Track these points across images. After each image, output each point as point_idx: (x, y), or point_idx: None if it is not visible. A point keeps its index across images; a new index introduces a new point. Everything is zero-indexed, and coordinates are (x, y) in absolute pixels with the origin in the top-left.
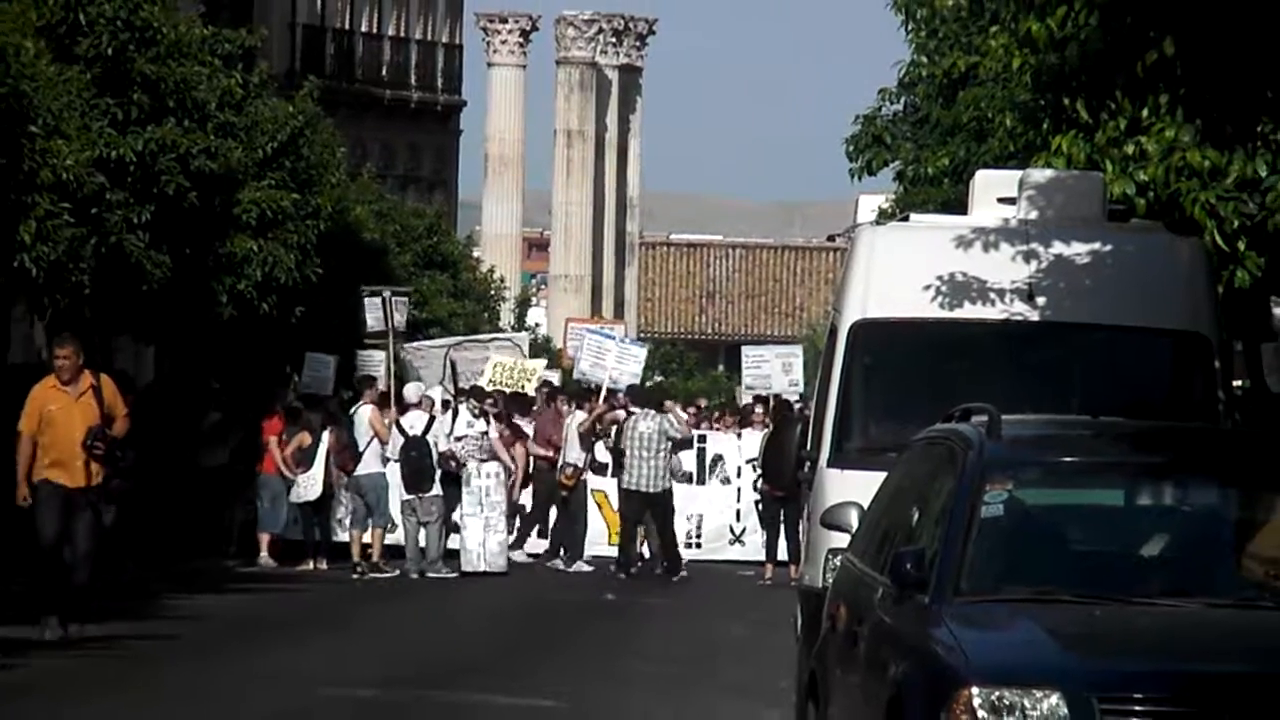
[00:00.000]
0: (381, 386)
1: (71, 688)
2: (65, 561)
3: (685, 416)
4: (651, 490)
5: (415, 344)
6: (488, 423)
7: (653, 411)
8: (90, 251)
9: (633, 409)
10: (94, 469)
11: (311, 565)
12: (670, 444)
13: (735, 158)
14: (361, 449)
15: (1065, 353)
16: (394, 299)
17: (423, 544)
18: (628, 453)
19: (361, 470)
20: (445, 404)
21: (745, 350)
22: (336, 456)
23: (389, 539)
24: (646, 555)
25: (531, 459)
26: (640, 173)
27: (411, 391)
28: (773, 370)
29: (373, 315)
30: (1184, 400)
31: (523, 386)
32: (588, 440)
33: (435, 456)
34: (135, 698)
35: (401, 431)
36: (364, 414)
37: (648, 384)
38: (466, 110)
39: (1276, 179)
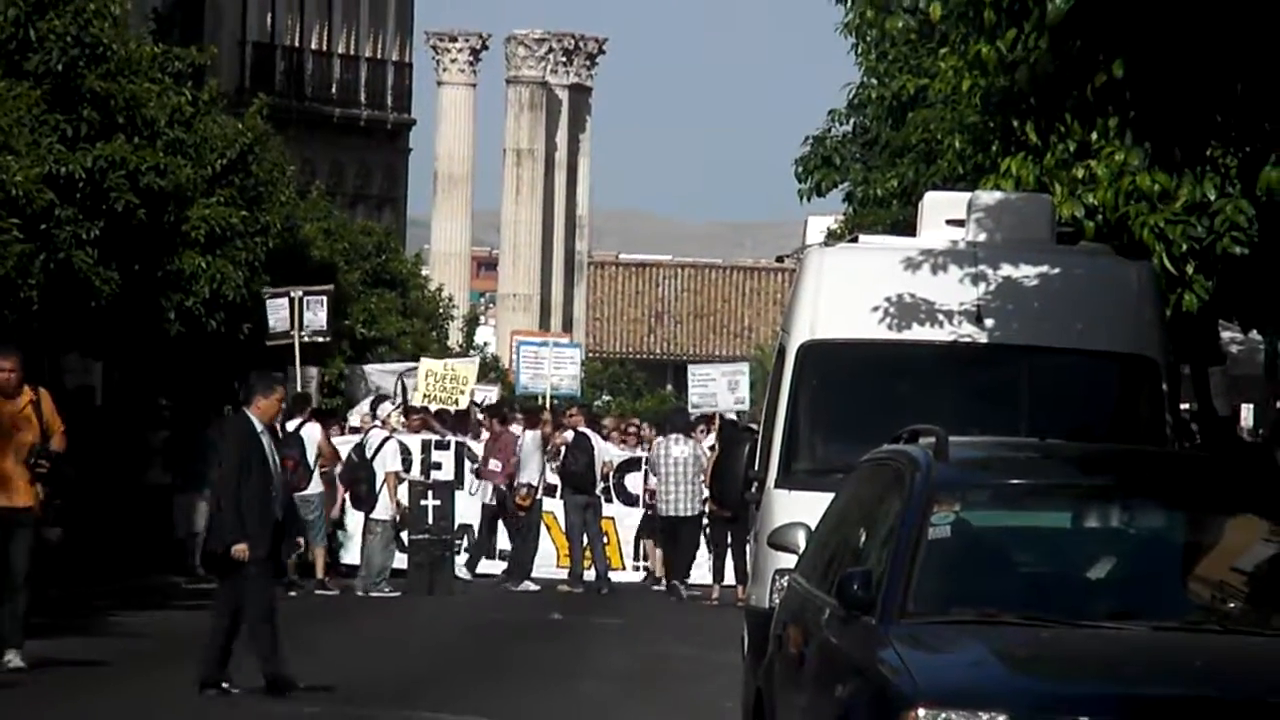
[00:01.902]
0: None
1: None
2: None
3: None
4: (687, 514)
5: (369, 367)
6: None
7: (683, 437)
8: (39, 267)
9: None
10: (34, 487)
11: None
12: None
13: (685, 178)
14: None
15: (1013, 375)
16: (307, 298)
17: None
18: (660, 477)
19: (313, 490)
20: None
21: (691, 369)
22: (291, 475)
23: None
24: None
25: (484, 482)
26: (589, 192)
27: (382, 409)
28: (719, 389)
29: (275, 316)
30: (1131, 423)
31: (456, 399)
32: (541, 461)
33: (380, 478)
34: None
35: (359, 452)
36: (312, 433)
37: (595, 404)
38: (416, 128)
39: (1224, 202)
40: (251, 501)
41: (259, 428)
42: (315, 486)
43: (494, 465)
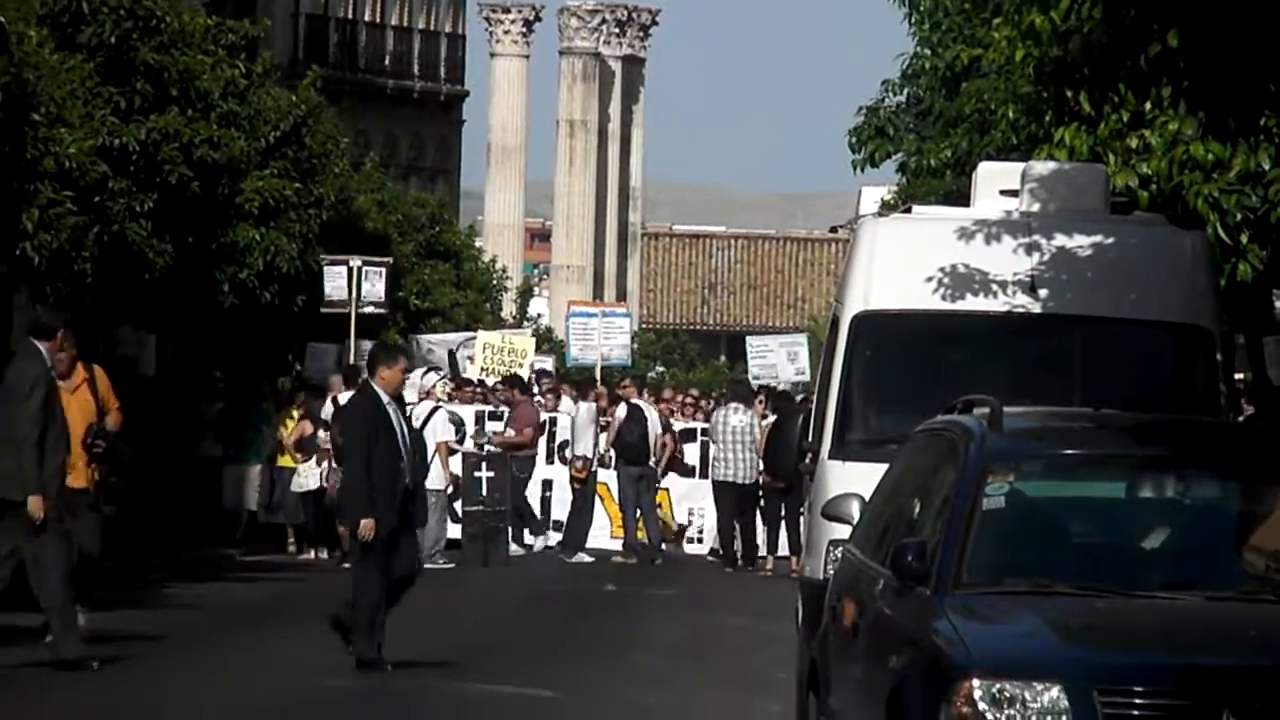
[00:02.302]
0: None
1: (67, 677)
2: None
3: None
4: (745, 482)
5: (426, 337)
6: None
7: (743, 406)
8: (92, 240)
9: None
10: (93, 468)
11: (312, 555)
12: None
13: (738, 148)
14: None
15: (1067, 345)
16: (366, 269)
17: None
18: (719, 446)
19: None
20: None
21: (750, 340)
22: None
23: None
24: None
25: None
26: (643, 163)
27: (427, 381)
28: (778, 360)
29: (332, 285)
30: (1185, 393)
31: (514, 372)
32: (595, 433)
33: (431, 449)
34: (134, 690)
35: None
36: None
37: (649, 374)
38: (469, 100)
39: (1279, 172)
40: (381, 476)
41: (384, 399)
42: None
43: (507, 432)
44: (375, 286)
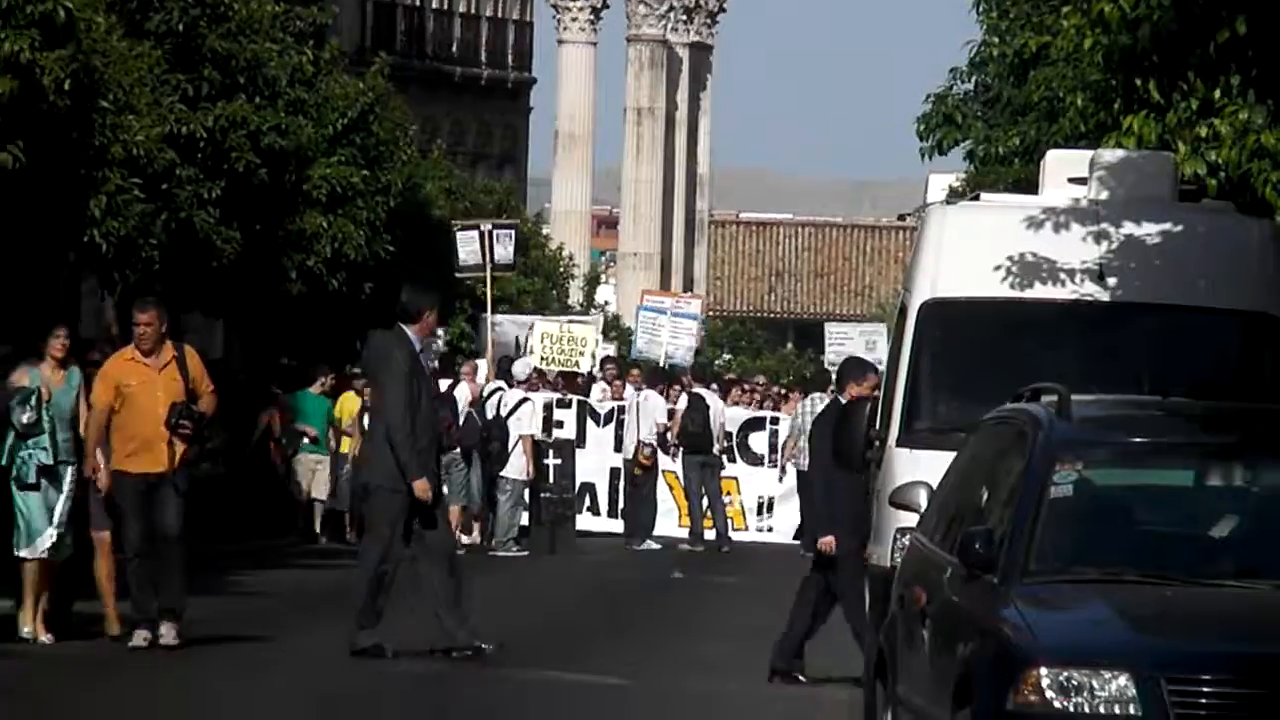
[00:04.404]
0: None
1: (131, 659)
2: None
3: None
4: None
5: (497, 317)
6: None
7: (823, 395)
8: (160, 227)
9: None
10: (178, 450)
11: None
12: None
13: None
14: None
15: (1135, 333)
16: (496, 232)
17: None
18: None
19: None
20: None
21: (829, 327)
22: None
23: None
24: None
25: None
26: (710, 151)
27: (520, 369)
28: (856, 348)
29: (466, 249)
30: (1254, 381)
31: (575, 361)
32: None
33: (513, 439)
34: (198, 674)
35: (496, 410)
36: (463, 394)
37: (716, 362)
38: (536, 87)
39: None
40: (424, 430)
41: (418, 346)
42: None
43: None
44: (507, 249)
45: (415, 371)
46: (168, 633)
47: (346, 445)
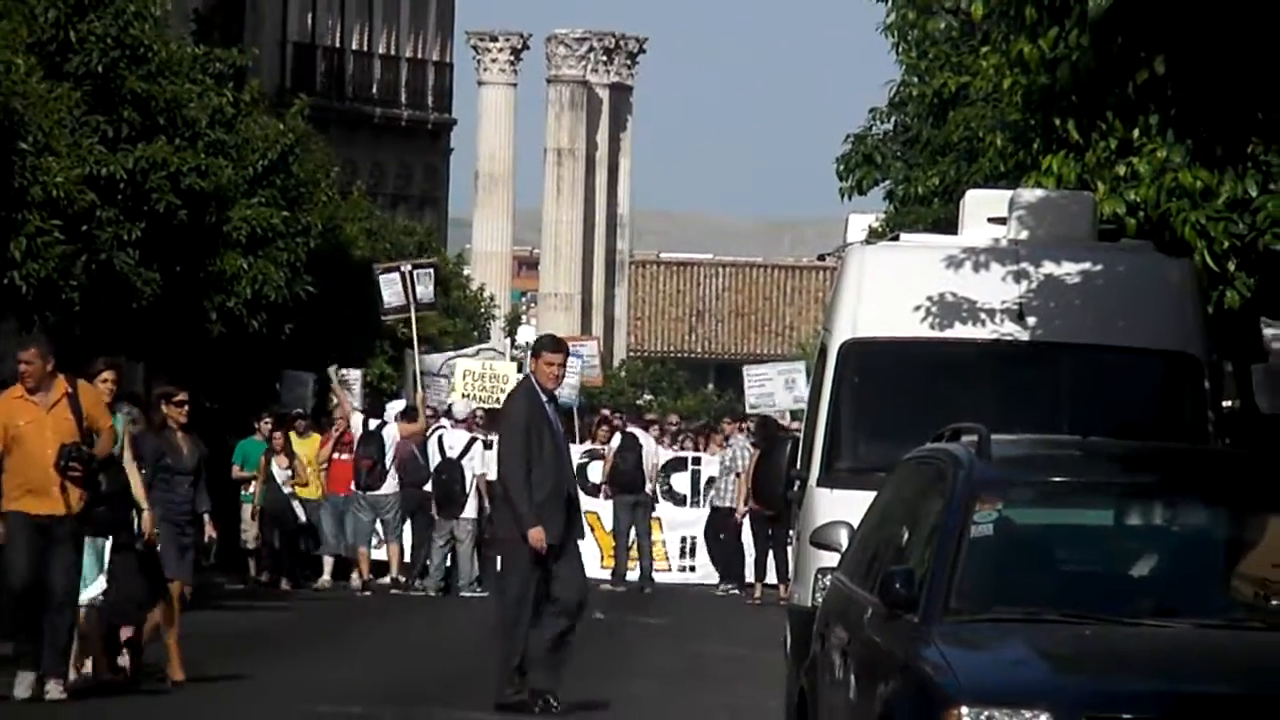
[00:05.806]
0: (406, 397)
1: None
2: (44, 605)
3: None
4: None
5: (427, 356)
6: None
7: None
8: (80, 269)
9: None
10: (73, 494)
11: (284, 583)
12: None
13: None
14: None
15: (1055, 372)
16: (416, 272)
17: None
18: (730, 478)
19: (386, 489)
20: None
21: (747, 370)
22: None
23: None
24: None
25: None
26: (630, 191)
27: (460, 408)
28: (775, 388)
29: (390, 290)
30: (1174, 420)
31: (497, 398)
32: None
33: (469, 478)
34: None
35: (441, 451)
36: (393, 433)
37: (637, 402)
38: (457, 128)
39: (1266, 199)
40: (545, 477)
41: (543, 396)
42: (390, 486)
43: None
44: (427, 288)
45: (534, 421)
46: (53, 689)
47: (316, 490)
